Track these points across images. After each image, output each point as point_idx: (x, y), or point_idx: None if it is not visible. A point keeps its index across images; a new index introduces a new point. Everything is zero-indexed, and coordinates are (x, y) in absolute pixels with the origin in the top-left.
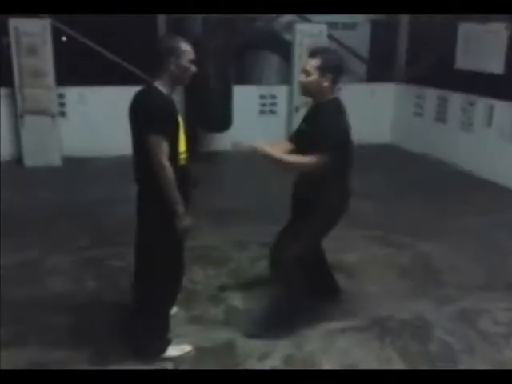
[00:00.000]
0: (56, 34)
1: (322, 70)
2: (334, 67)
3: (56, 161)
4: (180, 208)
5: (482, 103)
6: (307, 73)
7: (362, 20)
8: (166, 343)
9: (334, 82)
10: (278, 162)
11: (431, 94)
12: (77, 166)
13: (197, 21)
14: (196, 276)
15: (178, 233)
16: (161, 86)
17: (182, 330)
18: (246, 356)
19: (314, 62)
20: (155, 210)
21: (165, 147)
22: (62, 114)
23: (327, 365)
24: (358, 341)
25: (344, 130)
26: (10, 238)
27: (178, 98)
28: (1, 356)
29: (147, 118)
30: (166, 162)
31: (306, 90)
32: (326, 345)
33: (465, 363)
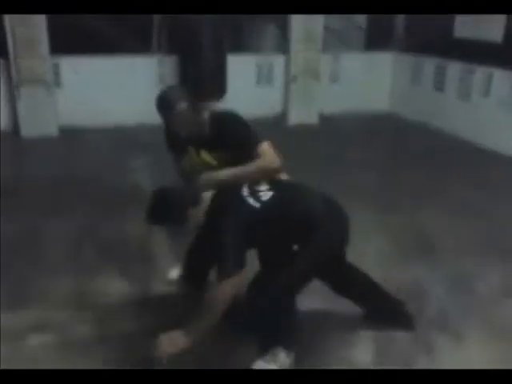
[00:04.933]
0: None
1: None
2: None
3: (53, 131)
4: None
5: (480, 72)
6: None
7: None
8: None
9: None
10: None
11: (429, 63)
12: (74, 137)
13: None
14: None
15: None
16: None
17: None
18: None
19: None
20: None
21: None
22: (57, 84)
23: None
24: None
25: None
26: (10, 206)
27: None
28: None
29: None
30: None
31: None
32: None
33: (458, 324)
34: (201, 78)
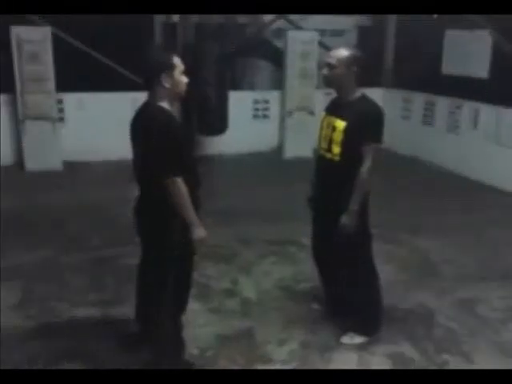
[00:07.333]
0: (56, 40)
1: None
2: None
3: (57, 165)
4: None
5: (467, 107)
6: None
7: (350, 26)
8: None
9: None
10: None
11: (419, 98)
12: (78, 170)
13: (192, 27)
14: (208, 271)
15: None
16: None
17: (203, 320)
18: (264, 342)
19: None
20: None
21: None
22: (61, 119)
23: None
24: None
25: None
26: (22, 238)
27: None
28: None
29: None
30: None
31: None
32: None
33: (468, 345)
34: (206, 113)
